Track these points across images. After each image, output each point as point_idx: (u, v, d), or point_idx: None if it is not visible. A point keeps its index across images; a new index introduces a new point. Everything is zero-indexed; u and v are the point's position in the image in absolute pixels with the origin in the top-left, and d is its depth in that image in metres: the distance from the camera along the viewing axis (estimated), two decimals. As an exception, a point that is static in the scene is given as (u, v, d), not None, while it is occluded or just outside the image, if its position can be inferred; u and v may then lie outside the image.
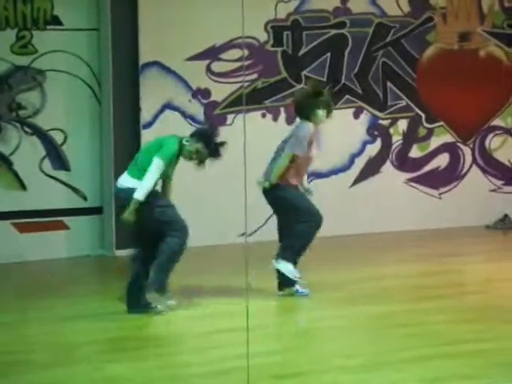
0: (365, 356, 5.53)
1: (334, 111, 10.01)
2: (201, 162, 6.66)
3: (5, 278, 8.25)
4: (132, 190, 6.41)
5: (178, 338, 6.10)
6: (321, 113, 7.03)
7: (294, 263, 7.04)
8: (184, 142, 6.62)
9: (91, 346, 5.92)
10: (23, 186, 8.95)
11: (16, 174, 8.93)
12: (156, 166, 6.43)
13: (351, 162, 10.17)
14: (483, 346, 5.66)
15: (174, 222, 6.50)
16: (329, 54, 9.96)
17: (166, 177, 6.67)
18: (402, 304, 6.83)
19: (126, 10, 9.11)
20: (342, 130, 10.02)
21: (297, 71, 9.85)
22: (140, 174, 6.47)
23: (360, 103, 10.13)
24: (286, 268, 6.97)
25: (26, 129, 8.97)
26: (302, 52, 9.87)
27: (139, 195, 6.39)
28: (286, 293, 7.07)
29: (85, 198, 9.25)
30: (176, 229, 6.45)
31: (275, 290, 7.17)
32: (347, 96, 10.06)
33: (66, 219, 9.13)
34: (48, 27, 8.93)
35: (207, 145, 6.64)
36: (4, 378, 5.21)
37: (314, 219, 7.10)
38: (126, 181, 6.56)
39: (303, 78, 9.87)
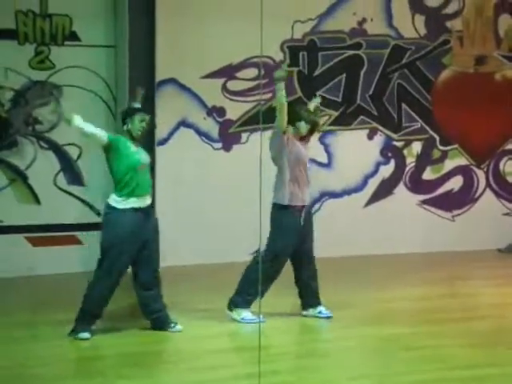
0: (373, 378, 5.52)
1: (349, 132, 10.19)
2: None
3: (17, 291, 8.27)
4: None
5: (190, 355, 6.08)
6: (302, 125, 6.98)
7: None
8: (125, 128, 6.50)
9: (103, 360, 5.93)
10: (37, 200, 8.99)
11: (31, 188, 8.97)
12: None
13: (364, 182, 10.18)
14: (491, 371, 5.64)
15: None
16: (344, 75, 10.00)
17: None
18: (411, 327, 6.81)
19: (144, 27, 9.16)
20: (355, 151, 10.04)
21: (312, 91, 9.87)
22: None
23: (374, 124, 10.15)
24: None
25: (42, 143, 9.02)
26: (317, 72, 9.91)
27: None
28: (310, 313, 7.02)
29: (98, 214, 9.27)
30: None
31: (287, 310, 7.16)
32: (362, 117, 10.09)
33: (79, 234, 9.16)
34: (66, 43, 8.99)
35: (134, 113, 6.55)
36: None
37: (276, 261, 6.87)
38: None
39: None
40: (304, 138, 7.02)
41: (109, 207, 6.38)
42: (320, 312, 6.97)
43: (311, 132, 7.06)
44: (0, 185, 8.70)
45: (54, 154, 9.07)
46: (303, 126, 6.94)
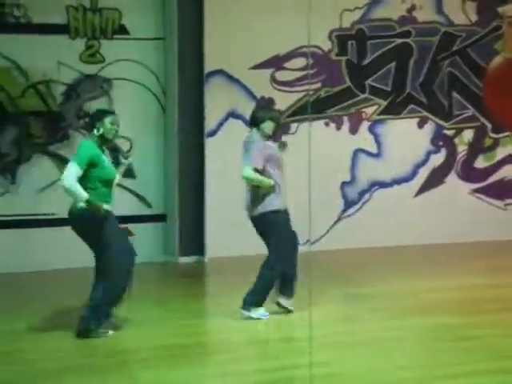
0: (422, 369, 5.48)
1: (398, 121, 10.10)
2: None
3: (70, 282, 8.39)
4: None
5: (238, 345, 6.11)
6: (267, 125, 6.74)
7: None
8: (96, 133, 6.24)
9: (150, 351, 5.98)
10: (89, 193, 9.10)
11: (83, 181, 9.08)
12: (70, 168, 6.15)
13: (415, 172, 10.10)
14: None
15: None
16: (393, 64, 9.92)
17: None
18: (460, 317, 6.74)
19: (192, 19, 9.21)
20: (405, 140, 9.97)
21: (361, 80, 9.83)
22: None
23: (425, 113, 10.06)
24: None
25: (93, 136, 9.12)
26: (366, 61, 9.85)
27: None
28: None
29: (149, 206, 9.37)
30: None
31: (333, 301, 7.17)
32: (412, 105, 10.00)
33: (130, 226, 9.24)
34: (115, 36, 9.09)
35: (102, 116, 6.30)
36: (61, 381, 5.31)
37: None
38: None
39: (367, 87, 9.85)
40: (270, 138, 6.84)
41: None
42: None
43: (276, 130, 6.86)
44: (53, 178, 8.82)
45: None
46: (267, 126, 6.78)
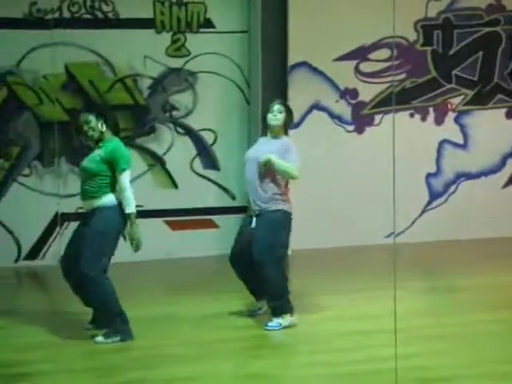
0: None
1: (485, 111, 9.92)
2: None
3: (156, 273, 8.53)
4: None
5: (324, 337, 6.11)
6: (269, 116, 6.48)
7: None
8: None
9: (236, 342, 6.03)
10: (175, 185, 9.24)
11: (168, 173, 9.23)
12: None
13: (503, 163, 9.91)
14: None
15: None
16: (481, 53, 9.74)
17: None
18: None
19: (276, 11, 9.22)
20: (492, 130, 9.79)
21: (447, 71, 9.68)
22: None
23: (513, 103, 9.86)
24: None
25: (179, 129, 9.25)
26: (452, 51, 9.70)
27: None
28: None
29: (233, 197, 9.44)
30: None
31: (425, 293, 7.09)
32: (499, 95, 9.81)
33: (215, 218, 9.35)
34: (201, 30, 9.17)
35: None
36: (149, 370, 5.40)
37: None
38: None
39: (453, 77, 9.70)
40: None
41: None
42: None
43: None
44: (140, 170, 8.97)
45: (190, 140, 9.29)
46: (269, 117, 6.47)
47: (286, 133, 6.55)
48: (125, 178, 5.97)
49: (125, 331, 5.96)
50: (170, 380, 5.24)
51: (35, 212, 8.83)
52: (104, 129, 6.05)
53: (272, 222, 6.27)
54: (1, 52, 8.67)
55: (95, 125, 6.03)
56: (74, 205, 8.97)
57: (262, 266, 6.20)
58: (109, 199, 5.99)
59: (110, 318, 5.98)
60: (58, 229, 8.90)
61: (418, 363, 5.39)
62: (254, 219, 6.32)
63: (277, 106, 6.47)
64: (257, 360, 5.59)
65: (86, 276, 5.88)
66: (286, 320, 6.27)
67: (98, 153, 6.02)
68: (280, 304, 6.28)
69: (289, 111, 6.53)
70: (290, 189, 6.55)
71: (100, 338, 5.95)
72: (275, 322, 6.25)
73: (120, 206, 5.97)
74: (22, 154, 8.87)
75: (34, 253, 8.90)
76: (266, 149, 6.39)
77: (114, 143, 6.06)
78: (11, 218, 8.79)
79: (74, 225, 8.84)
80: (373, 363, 5.42)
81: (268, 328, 6.22)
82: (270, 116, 6.47)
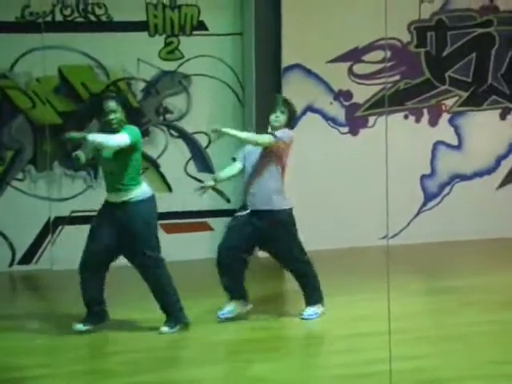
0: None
1: (480, 112, 9.92)
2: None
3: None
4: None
5: (320, 339, 6.11)
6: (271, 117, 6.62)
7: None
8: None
9: (234, 345, 6.02)
10: (169, 188, 9.22)
11: (163, 176, 9.21)
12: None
13: (497, 164, 9.91)
14: None
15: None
16: (474, 54, 9.74)
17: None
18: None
19: (269, 13, 9.21)
20: (487, 132, 9.80)
21: (441, 72, 9.69)
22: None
23: (507, 104, 9.86)
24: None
25: (173, 132, 9.24)
26: (446, 52, 9.70)
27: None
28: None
29: (228, 200, 9.38)
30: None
31: (421, 294, 7.08)
32: (494, 96, 9.82)
33: (210, 220, 9.33)
34: (194, 33, 9.16)
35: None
36: (153, 373, 5.38)
37: None
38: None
39: (447, 79, 9.71)
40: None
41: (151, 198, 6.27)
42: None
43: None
44: (134, 173, 8.93)
45: (184, 143, 9.27)
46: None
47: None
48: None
49: (182, 317, 6.20)
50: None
51: (29, 216, 8.80)
52: (124, 120, 6.16)
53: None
54: (-6, 55, 8.66)
55: (120, 115, 6.13)
56: (67, 209, 8.97)
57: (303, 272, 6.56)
58: (142, 190, 6.18)
59: (170, 303, 6.17)
60: (51, 233, 8.88)
61: (415, 365, 5.38)
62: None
63: (279, 107, 6.54)
64: (254, 363, 5.57)
65: (150, 258, 6.04)
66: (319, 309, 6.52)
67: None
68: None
69: (291, 109, 6.62)
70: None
71: (165, 329, 6.13)
72: (311, 310, 6.48)
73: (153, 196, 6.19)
74: (15, 158, 8.84)
75: (28, 257, 8.88)
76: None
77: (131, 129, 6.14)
78: (5, 223, 8.77)
79: (67, 229, 8.93)
80: (370, 365, 5.40)
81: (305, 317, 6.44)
82: (272, 117, 6.57)
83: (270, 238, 6.46)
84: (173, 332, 6.11)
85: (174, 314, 6.22)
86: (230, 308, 6.52)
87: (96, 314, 6.25)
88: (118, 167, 6.13)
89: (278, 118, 6.57)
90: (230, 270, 6.49)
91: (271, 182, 6.47)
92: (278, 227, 6.42)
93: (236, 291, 6.56)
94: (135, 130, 6.22)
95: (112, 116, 6.11)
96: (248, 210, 6.49)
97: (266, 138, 6.44)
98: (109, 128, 6.15)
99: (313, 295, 6.59)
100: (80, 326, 6.22)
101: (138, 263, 6.17)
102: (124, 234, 6.09)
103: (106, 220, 6.18)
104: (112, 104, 6.14)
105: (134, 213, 6.08)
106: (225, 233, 6.73)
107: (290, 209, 6.55)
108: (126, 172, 6.13)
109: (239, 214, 6.62)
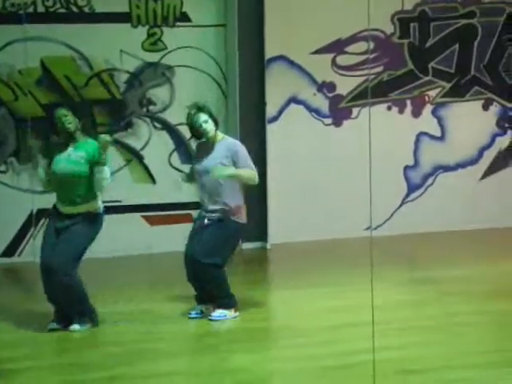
0: (495, 354, 5.40)
1: (462, 103, 9.95)
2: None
3: (135, 269, 8.49)
4: None
5: (304, 331, 6.10)
6: None
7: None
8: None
9: (217, 336, 6.01)
10: (153, 180, 9.20)
11: (146, 168, 9.19)
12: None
13: (480, 155, 9.95)
14: None
15: None
16: (457, 45, 9.77)
17: None
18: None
19: (252, 5, 9.20)
20: (470, 123, 9.83)
21: (424, 63, 9.71)
22: None
23: (489, 95, 9.90)
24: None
25: (156, 124, 9.21)
26: (429, 43, 9.72)
27: None
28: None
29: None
30: None
31: (404, 285, 7.10)
32: (476, 87, 9.85)
33: (193, 212, 9.31)
34: (177, 24, 9.12)
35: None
36: (131, 366, 5.37)
37: None
38: None
39: (430, 70, 9.73)
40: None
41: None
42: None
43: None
44: (117, 165, 8.92)
45: (167, 134, 9.24)
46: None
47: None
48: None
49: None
50: (150, 376, 5.21)
51: (12, 209, 8.76)
52: (79, 126, 6.04)
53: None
54: (-25, 47, 8.59)
55: (72, 118, 6.03)
56: (50, 201, 8.92)
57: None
58: (99, 204, 6.11)
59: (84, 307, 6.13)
60: (33, 226, 8.84)
61: (399, 355, 5.40)
62: None
63: (201, 118, 6.31)
64: (235, 354, 5.57)
65: (64, 278, 5.93)
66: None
67: (79, 154, 6.00)
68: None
69: (211, 115, 6.39)
70: None
71: (76, 326, 6.09)
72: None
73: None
74: (-2, 150, 8.79)
75: (11, 249, 8.84)
76: (215, 155, 6.34)
77: (93, 143, 6.05)
78: (-13, 215, 8.72)
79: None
80: (353, 356, 5.41)
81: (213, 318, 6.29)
82: (203, 127, 6.32)
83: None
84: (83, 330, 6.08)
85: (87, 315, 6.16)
86: (197, 310, 6.50)
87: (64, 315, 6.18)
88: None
89: (208, 124, 6.31)
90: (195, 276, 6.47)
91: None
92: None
93: (203, 296, 6.52)
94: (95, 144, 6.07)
95: (64, 119, 6.03)
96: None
97: (255, 174, 6.49)
98: (65, 134, 6.08)
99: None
100: (53, 325, 6.18)
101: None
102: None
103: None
104: (61, 110, 6.06)
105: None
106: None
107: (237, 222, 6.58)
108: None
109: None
